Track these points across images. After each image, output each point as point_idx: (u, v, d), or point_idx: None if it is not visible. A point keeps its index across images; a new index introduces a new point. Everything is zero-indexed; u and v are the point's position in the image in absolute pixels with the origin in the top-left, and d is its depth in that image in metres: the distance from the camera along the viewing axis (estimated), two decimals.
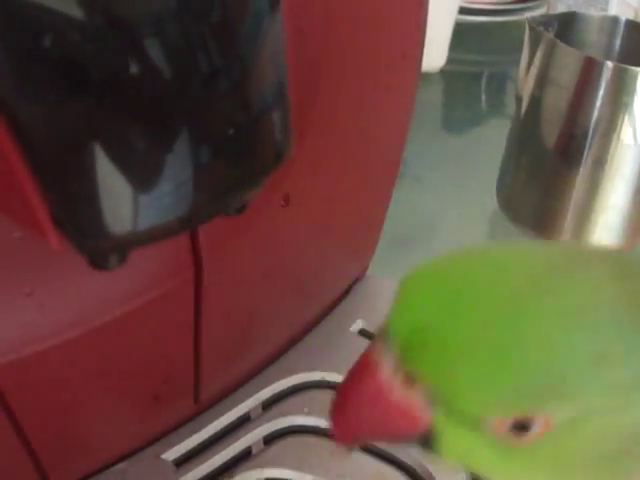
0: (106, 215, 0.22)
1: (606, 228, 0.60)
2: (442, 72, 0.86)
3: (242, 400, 0.44)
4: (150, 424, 0.42)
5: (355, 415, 0.23)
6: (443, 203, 0.68)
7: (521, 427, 0.21)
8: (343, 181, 0.42)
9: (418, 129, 0.74)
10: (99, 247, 0.23)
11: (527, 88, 0.60)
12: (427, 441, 0.23)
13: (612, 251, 0.24)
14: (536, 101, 0.60)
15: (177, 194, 0.22)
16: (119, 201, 0.22)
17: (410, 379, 0.21)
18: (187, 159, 0.23)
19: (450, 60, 0.85)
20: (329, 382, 0.46)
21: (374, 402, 0.22)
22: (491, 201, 0.66)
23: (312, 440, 0.43)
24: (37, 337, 0.34)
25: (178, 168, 0.22)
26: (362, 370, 0.22)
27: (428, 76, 0.83)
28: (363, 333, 0.48)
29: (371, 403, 0.22)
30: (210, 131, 0.23)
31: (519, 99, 0.61)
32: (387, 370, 0.22)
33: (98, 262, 0.24)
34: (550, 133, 0.60)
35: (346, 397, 0.23)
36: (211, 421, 0.43)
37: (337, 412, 0.23)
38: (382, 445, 0.43)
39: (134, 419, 0.41)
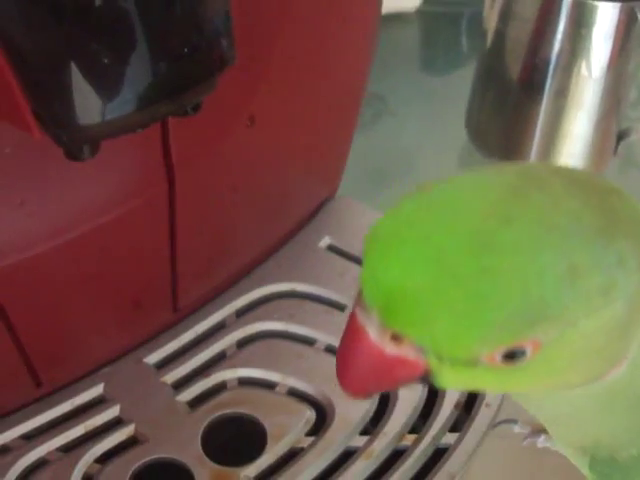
0: (77, 109, 0.25)
1: (570, 156, 0.62)
2: (421, 13, 0.87)
3: (218, 309, 0.47)
4: (132, 330, 0.45)
5: (358, 376, 0.24)
6: (418, 138, 0.69)
7: (512, 355, 0.22)
8: (307, 104, 0.45)
9: (396, 68, 0.77)
10: (73, 138, 0.26)
11: (492, 22, 0.62)
12: (427, 379, 0.23)
13: (563, 168, 0.24)
14: (500, 35, 0.61)
15: (137, 92, 0.26)
16: (88, 97, 0.25)
17: (397, 337, 0.22)
18: (146, 64, 0.26)
19: (428, 1, 0.85)
20: (298, 292, 0.49)
21: (371, 363, 0.23)
22: (462, 134, 0.68)
23: (281, 343, 0.46)
24: (26, 244, 0.37)
25: (137, 71, 0.25)
26: (352, 336, 0.23)
27: (405, 16, 0.84)
28: (331, 248, 0.51)
29: (368, 364, 0.23)
30: (164, 40, 0.26)
31: (484, 34, 0.63)
32: (374, 333, 0.22)
33: (73, 153, 0.27)
34: (514, 66, 0.61)
35: (345, 362, 0.24)
36: (189, 328, 0.46)
37: (342, 376, 0.24)
38: None
39: (117, 324, 0.44)
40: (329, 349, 0.45)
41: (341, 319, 0.47)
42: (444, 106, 0.74)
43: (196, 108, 0.28)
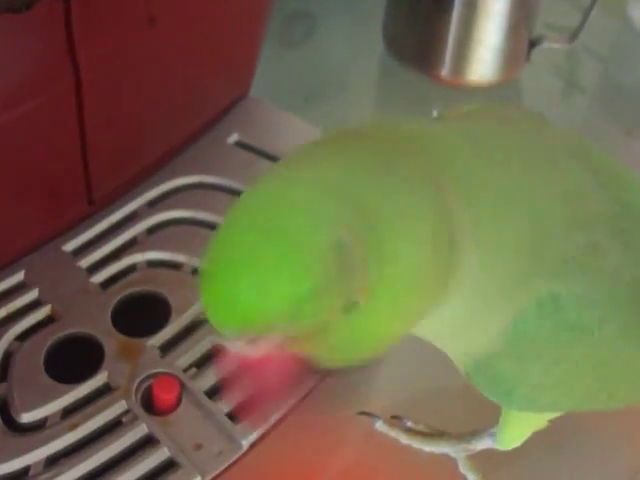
0: None
1: (482, 63, 0.62)
2: None
3: (131, 200, 0.48)
4: (51, 221, 0.46)
5: (251, 372, 0.26)
6: (343, 52, 0.70)
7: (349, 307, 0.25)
8: (209, 2, 0.46)
9: None
10: None
11: None
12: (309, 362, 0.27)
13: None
14: None
15: None
16: None
17: (251, 340, 0.25)
18: None
19: None
20: (206, 183, 0.50)
21: (247, 372, 0.26)
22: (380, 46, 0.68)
23: (188, 229, 0.48)
24: None
25: None
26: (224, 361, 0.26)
27: None
28: (238, 144, 0.52)
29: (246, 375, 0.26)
30: None
31: None
32: (234, 347, 0.25)
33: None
34: None
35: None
36: (104, 218, 0.48)
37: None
38: None
39: (36, 215, 0.45)
40: None
41: None
42: (366, 21, 0.73)
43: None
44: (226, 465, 0.38)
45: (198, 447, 0.38)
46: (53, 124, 0.42)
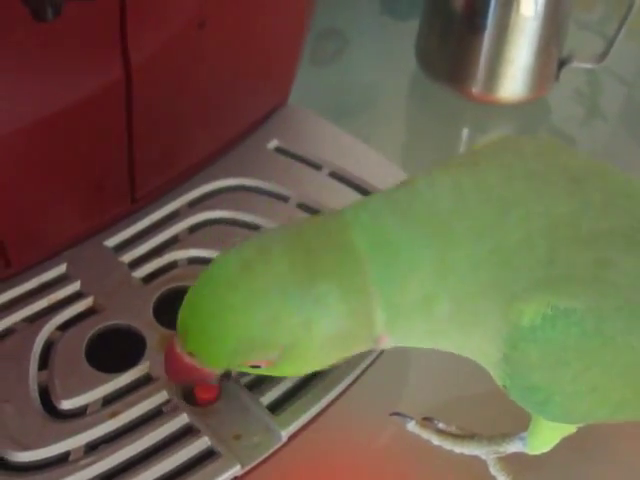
0: None
1: (513, 81, 0.63)
2: None
3: (172, 200, 0.48)
4: (94, 216, 0.46)
5: (172, 372, 0.36)
6: (374, 71, 0.70)
7: (257, 364, 0.33)
8: (257, 9, 0.46)
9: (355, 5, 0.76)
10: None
11: None
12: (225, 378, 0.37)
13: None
14: None
15: None
16: None
17: (190, 353, 0.33)
18: None
19: None
20: (246, 186, 0.50)
21: (177, 366, 0.34)
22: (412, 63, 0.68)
23: (228, 229, 0.48)
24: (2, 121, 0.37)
25: None
26: (170, 348, 0.34)
27: None
28: (278, 150, 0.52)
29: (177, 366, 0.34)
30: None
31: None
32: (179, 349, 0.34)
33: (39, 14, 0.29)
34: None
35: (165, 363, 0.36)
36: (145, 216, 0.48)
37: (165, 370, 0.36)
38: None
39: (80, 209, 0.45)
40: None
41: (284, 209, 0.48)
42: (398, 39, 0.74)
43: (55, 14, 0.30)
44: (265, 455, 0.37)
45: (238, 437, 0.38)
46: (102, 117, 0.42)
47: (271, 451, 0.38)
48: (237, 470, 0.37)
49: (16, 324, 0.42)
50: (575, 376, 0.31)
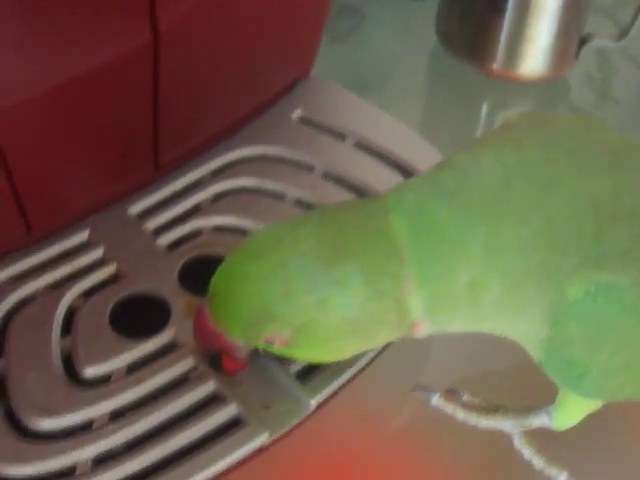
0: None
1: (533, 59, 0.61)
2: None
3: (195, 168, 0.47)
4: (117, 182, 0.45)
5: (200, 335, 0.35)
6: (393, 46, 0.68)
7: (271, 341, 0.32)
8: None
9: None
10: None
11: None
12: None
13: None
14: None
15: None
16: None
17: (215, 320, 0.33)
18: None
19: None
20: (270, 155, 0.48)
21: (206, 331, 0.34)
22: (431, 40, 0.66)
23: (253, 197, 0.46)
24: (22, 86, 0.36)
25: None
26: (199, 312, 0.34)
27: None
28: (302, 120, 0.50)
29: (205, 332, 0.34)
30: None
31: None
32: (206, 313, 0.33)
33: None
34: None
35: (195, 325, 0.34)
36: (169, 183, 0.46)
37: (193, 333, 0.35)
38: (313, 200, 0.46)
39: (104, 175, 0.43)
40: (298, 202, 0.45)
41: (309, 178, 0.47)
42: (416, 15, 0.72)
43: None
44: (293, 424, 0.36)
45: (265, 406, 0.36)
46: (128, 82, 0.40)
47: (299, 420, 0.36)
48: (265, 438, 0.35)
49: (38, 291, 0.41)
50: (613, 351, 0.30)
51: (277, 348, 0.33)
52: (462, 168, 0.31)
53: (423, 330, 0.32)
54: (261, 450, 0.35)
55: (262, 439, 0.35)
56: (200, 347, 0.37)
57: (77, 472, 0.34)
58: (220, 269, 0.32)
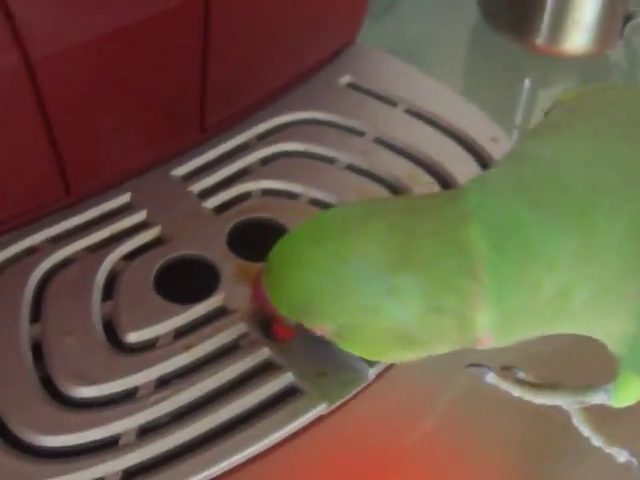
0: None
1: (577, 35, 0.59)
2: None
3: (242, 131, 0.44)
4: (161, 143, 0.42)
5: (257, 300, 0.32)
6: (433, 21, 0.66)
7: (314, 330, 0.29)
8: None
9: None
10: None
11: None
12: None
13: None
14: None
15: None
16: None
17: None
18: None
19: None
20: (318, 119, 0.46)
21: (261, 299, 0.31)
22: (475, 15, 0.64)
23: (302, 161, 0.43)
24: (67, 35, 0.33)
25: None
26: (257, 278, 0.31)
27: None
28: (350, 85, 0.48)
29: (261, 299, 0.31)
30: None
31: None
32: (262, 280, 0.30)
33: None
34: None
35: (252, 289, 0.32)
36: (215, 146, 0.43)
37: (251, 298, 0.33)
38: (365, 165, 0.43)
39: (147, 134, 0.41)
40: (350, 167, 0.42)
41: (360, 143, 0.44)
42: None
43: None
44: (352, 394, 0.33)
45: (322, 374, 0.33)
46: (179, 37, 0.38)
47: (358, 390, 0.33)
48: (323, 408, 0.32)
49: (77, 254, 0.38)
50: None
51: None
52: (542, 161, 0.28)
53: (488, 345, 0.29)
54: (319, 420, 0.32)
55: (320, 409, 0.32)
56: (253, 312, 0.34)
57: (121, 442, 0.31)
58: (279, 243, 0.30)
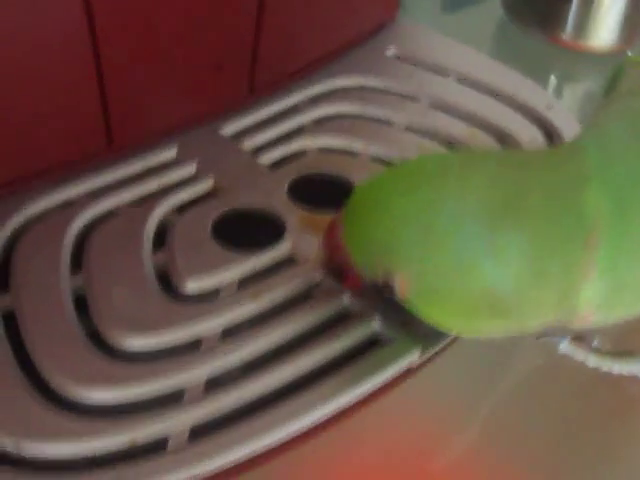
0: None
1: (604, 30, 0.58)
2: None
3: (292, 93, 0.41)
4: (209, 98, 0.39)
5: (325, 246, 0.28)
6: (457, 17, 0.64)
7: (391, 288, 0.25)
8: None
9: None
10: None
11: None
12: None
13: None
14: None
15: None
16: None
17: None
18: None
19: None
20: (368, 86, 0.43)
21: (330, 244, 0.27)
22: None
23: (358, 122, 0.41)
24: None
25: None
26: (333, 223, 0.27)
27: None
28: (397, 57, 0.46)
29: (329, 241, 0.28)
30: None
31: None
32: (339, 224, 0.27)
33: None
34: None
35: (324, 238, 0.28)
36: (265, 106, 0.40)
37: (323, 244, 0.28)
38: (424, 126, 0.41)
39: (196, 86, 0.38)
40: (409, 128, 0.40)
41: (416, 107, 0.41)
42: None
43: None
44: (444, 343, 0.30)
45: (408, 324, 0.30)
46: None
47: (449, 340, 0.30)
48: (414, 358, 0.29)
49: (121, 206, 0.35)
50: None
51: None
52: None
53: (586, 323, 0.26)
54: (408, 371, 0.29)
55: (411, 358, 0.29)
56: (324, 262, 0.31)
57: (186, 397, 0.27)
58: (361, 189, 0.27)
